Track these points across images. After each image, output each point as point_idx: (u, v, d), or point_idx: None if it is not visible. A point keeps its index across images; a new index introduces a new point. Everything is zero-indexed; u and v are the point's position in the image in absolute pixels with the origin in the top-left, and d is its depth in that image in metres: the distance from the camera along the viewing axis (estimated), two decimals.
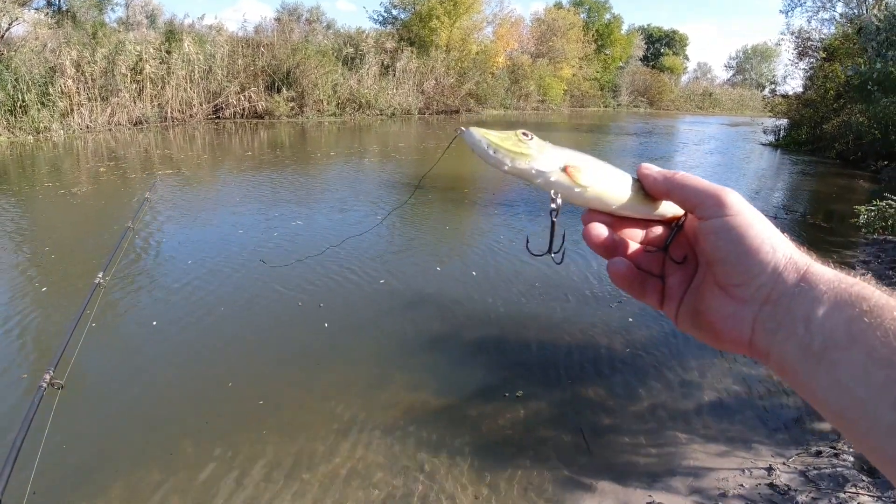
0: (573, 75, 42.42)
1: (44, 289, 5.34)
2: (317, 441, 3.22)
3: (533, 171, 0.49)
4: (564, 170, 0.49)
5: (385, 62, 27.50)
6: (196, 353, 4.22)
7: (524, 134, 0.50)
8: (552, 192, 0.50)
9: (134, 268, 5.95)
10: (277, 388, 3.76)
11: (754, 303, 0.44)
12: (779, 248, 0.44)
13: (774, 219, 8.00)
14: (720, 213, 0.45)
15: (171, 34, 20.87)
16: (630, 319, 4.98)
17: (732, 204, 0.45)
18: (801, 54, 23.21)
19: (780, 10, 26.93)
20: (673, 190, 0.49)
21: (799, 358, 0.41)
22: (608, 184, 0.50)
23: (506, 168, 0.49)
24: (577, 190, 0.49)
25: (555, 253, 0.54)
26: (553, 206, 0.51)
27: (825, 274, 0.42)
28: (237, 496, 2.80)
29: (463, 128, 0.50)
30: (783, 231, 0.46)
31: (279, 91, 23.05)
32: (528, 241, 0.57)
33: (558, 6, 46.15)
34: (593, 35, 45.59)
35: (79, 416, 3.36)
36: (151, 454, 3.08)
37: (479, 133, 0.50)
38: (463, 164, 14.25)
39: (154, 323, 4.66)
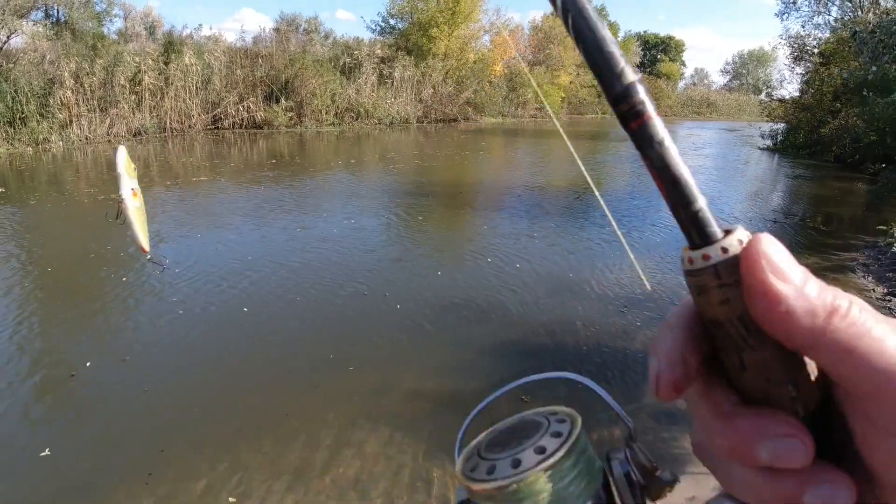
0: (570, 82, 42.57)
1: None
2: (319, 446, 3.21)
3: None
4: None
5: (383, 71, 27.56)
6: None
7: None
8: None
9: (182, 272, 6.00)
10: (284, 392, 3.75)
11: None
12: None
13: (774, 223, 7.89)
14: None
15: (170, 45, 20.96)
16: (638, 323, 4.99)
17: None
18: (797, 59, 23.35)
19: (776, 14, 26.97)
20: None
21: None
22: None
23: None
24: None
25: None
26: None
27: None
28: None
29: None
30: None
31: (278, 101, 23.12)
32: None
33: (556, 14, 46.24)
34: None
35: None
36: (150, 460, 3.07)
37: None
38: (464, 172, 14.27)
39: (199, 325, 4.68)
